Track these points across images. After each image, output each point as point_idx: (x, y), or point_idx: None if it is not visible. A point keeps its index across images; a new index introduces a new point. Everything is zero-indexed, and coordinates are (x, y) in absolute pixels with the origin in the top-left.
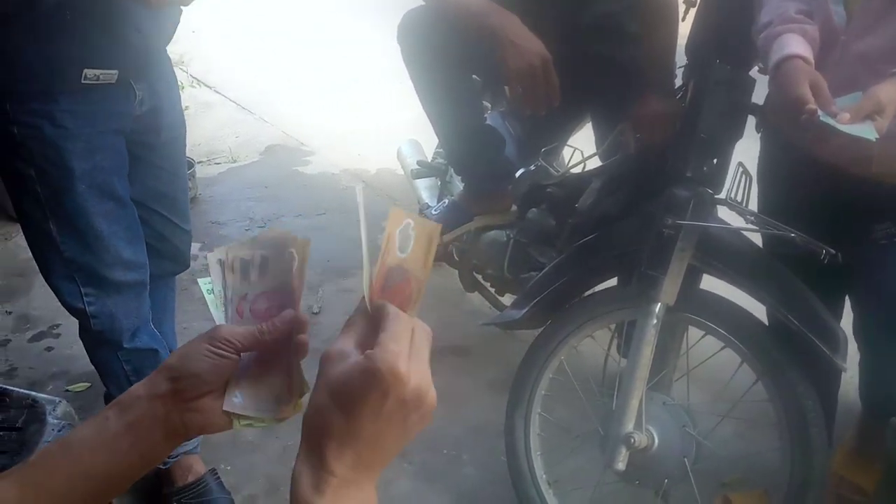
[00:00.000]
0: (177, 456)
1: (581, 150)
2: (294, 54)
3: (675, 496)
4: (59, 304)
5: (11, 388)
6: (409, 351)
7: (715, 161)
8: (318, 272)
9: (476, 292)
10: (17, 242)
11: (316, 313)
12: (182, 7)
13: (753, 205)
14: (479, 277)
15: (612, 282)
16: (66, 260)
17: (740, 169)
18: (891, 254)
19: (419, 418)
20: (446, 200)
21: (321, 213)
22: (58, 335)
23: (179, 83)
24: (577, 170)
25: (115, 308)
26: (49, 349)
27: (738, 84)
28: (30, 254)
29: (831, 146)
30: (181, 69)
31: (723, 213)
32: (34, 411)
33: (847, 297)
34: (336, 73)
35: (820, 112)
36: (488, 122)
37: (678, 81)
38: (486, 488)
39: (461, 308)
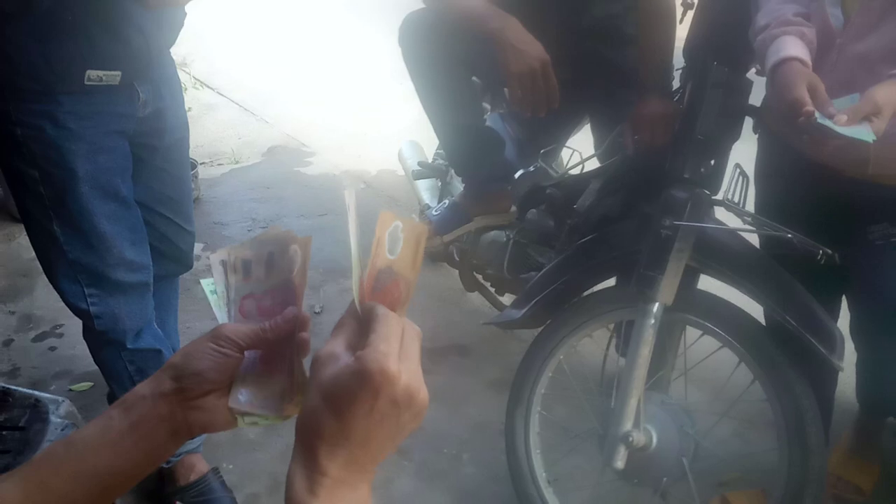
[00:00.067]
0: (179, 455)
1: (580, 151)
2: (296, 56)
3: (674, 495)
4: (63, 304)
5: (14, 387)
6: (399, 351)
7: (712, 162)
8: (320, 272)
9: (476, 292)
10: (21, 243)
11: (318, 313)
12: (184, 10)
13: (750, 206)
14: (480, 277)
15: (611, 282)
16: (69, 261)
17: (737, 170)
18: (887, 254)
19: (411, 417)
20: (447, 201)
21: (323, 213)
22: (61, 335)
23: (182, 85)
24: (576, 171)
25: (118, 309)
26: (52, 349)
27: (735, 86)
28: (33, 254)
29: (828, 148)
30: (184, 71)
31: (720, 213)
32: (37, 411)
33: (844, 298)
34: (338, 75)
35: (817, 114)
36: (488, 123)
37: (676, 83)
38: (486, 487)
39: (462, 308)
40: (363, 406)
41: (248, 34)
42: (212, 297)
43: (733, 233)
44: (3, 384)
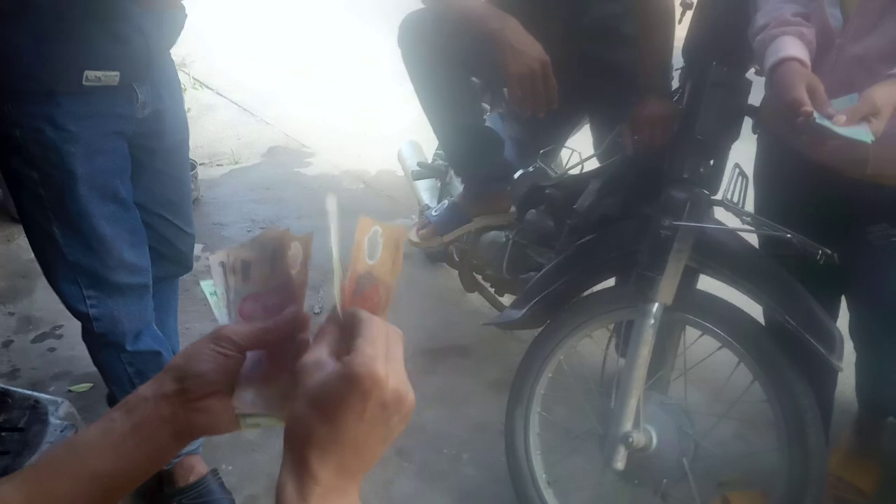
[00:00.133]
0: (179, 456)
1: (579, 151)
2: (296, 56)
3: (674, 496)
4: (62, 305)
5: (14, 388)
6: (385, 354)
7: (711, 162)
8: (320, 273)
9: (476, 292)
10: (20, 244)
11: (317, 313)
12: (185, 11)
13: (750, 206)
14: (479, 278)
15: (611, 282)
16: (68, 263)
17: (737, 170)
18: (886, 254)
19: (399, 420)
20: (446, 201)
21: (322, 214)
22: (60, 336)
23: (182, 85)
24: (576, 171)
25: (117, 311)
26: (51, 350)
27: (734, 86)
28: (33, 255)
29: (827, 148)
30: (183, 71)
31: (719, 214)
32: (36, 412)
33: (843, 298)
34: (337, 76)
35: (816, 114)
36: (487, 123)
37: (675, 83)
38: (486, 488)
39: (461, 308)
40: (353, 410)
41: (247, 34)
42: (212, 299)
43: (733, 233)
44: (3, 385)
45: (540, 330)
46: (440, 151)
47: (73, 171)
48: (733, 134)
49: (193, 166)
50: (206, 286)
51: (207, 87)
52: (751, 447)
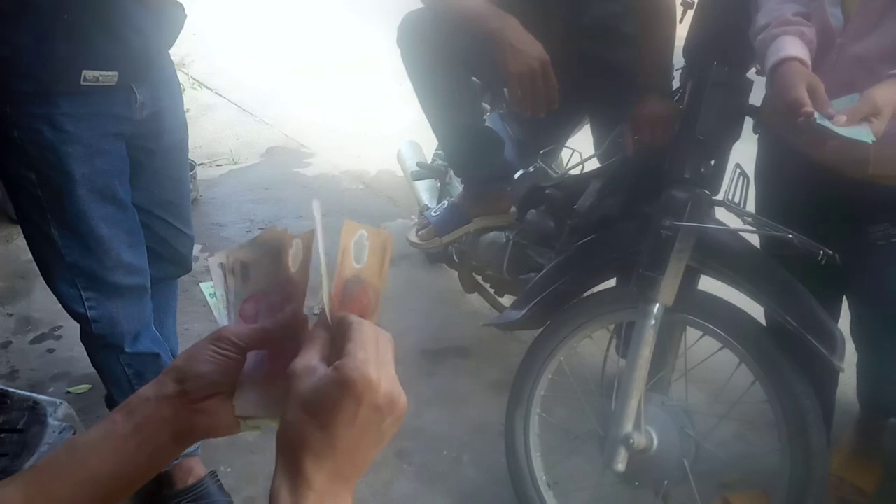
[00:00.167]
0: (178, 458)
1: (580, 151)
2: (295, 56)
3: (675, 497)
4: (61, 306)
5: (13, 389)
6: (376, 357)
7: (712, 162)
8: (319, 273)
9: (476, 293)
10: (19, 244)
11: (317, 314)
12: (185, 11)
13: (751, 206)
14: (479, 278)
15: (611, 283)
16: (67, 264)
17: (738, 170)
18: (887, 254)
19: (392, 423)
20: (446, 202)
21: (322, 214)
22: (59, 337)
23: (181, 85)
24: (576, 171)
25: (116, 312)
26: (50, 351)
27: (735, 86)
28: (31, 256)
29: (828, 148)
30: (182, 71)
31: (720, 214)
32: (35, 413)
33: (845, 298)
34: (337, 75)
35: (816, 114)
36: (487, 123)
37: (676, 83)
38: (486, 489)
39: (461, 309)
40: (347, 415)
41: (246, 34)
42: (211, 301)
43: (734, 233)
44: (2, 386)
45: (540, 331)
46: (440, 152)
47: (71, 172)
48: (734, 134)
49: (192, 166)
50: (206, 288)
51: (206, 87)
52: (752, 448)
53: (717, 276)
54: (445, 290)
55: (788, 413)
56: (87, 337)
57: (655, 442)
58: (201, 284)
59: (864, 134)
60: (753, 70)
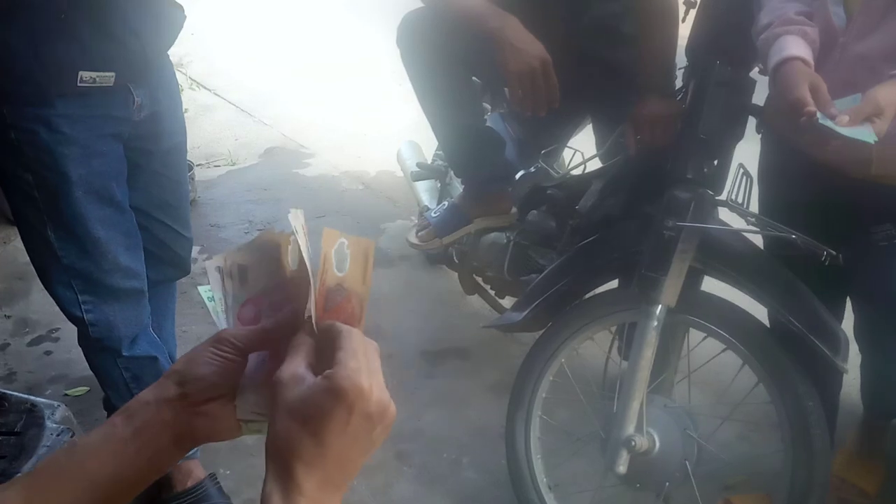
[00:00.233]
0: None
1: (581, 151)
2: (294, 57)
3: (677, 499)
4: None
5: (10, 392)
6: (367, 366)
7: (715, 162)
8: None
9: (476, 295)
10: (16, 246)
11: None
12: (184, 12)
13: (754, 206)
14: (480, 280)
15: (613, 284)
16: (63, 266)
17: (741, 170)
18: (891, 255)
19: (382, 431)
20: (446, 203)
21: (321, 215)
22: (57, 339)
23: (179, 86)
24: (578, 171)
25: (113, 316)
26: (48, 353)
27: (738, 85)
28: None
29: (830, 148)
30: (180, 71)
31: (724, 214)
32: (33, 415)
33: (848, 299)
34: (336, 76)
35: (819, 114)
36: (488, 123)
37: (678, 83)
38: (487, 492)
39: (461, 310)
40: (339, 424)
41: (245, 34)
42: (210, 304)
43: (737, 234)
44: None
45: (541, 332)
46: (440, 152)
47: (67, 173)
48: (737, 133)
49: (190, 167)
50: (204, 291)
51: (205, 88)
52: (755, 449)
53: (720, 276)
54: (445, 292)
55: (792, 414)
56: (84, 340)
57: (657, 444)
58: (199, 288)
59: (866, 134)
60: (756, 69)
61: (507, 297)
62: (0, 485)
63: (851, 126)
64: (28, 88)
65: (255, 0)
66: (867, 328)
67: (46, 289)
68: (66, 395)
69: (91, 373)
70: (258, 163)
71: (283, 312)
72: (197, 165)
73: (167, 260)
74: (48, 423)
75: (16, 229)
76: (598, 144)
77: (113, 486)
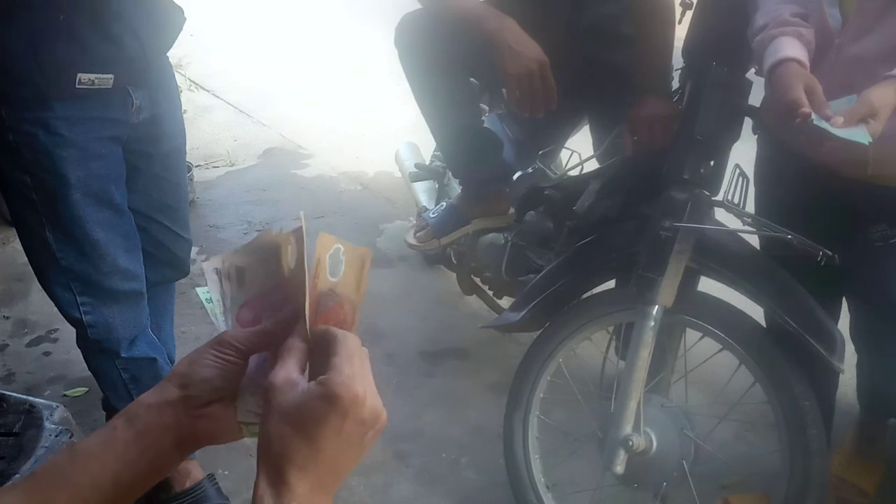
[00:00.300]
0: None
1: (579, 152)
2: (293, 57)
3: (674, 499)
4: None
5: (9, 392)
6: (361, 372)
7: (712, 163)
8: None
9: (474, 295)
10: (15, 247)
11: None
12: (183, 14)
13: (750, 207)
14: (478, 280)
15: (611, 284)
16: (62, 268)
17: (737, 171)
18: (886, 255)
19: (373, 436)
20: (444, 203)
21: (319, 216)
22: (55, 340)
23: (178, 87)
24: (575, 172)
25: (112, 318)
26: (47, 354)
27: (734, 86)
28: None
29: (826, 149)
30: (179, 72)
31: (720, 215)
32: (32, 416)
33: (844, 299)
34: (335, 76)
35: (814, 116)
36: (486, 124)
37: (675, 84)
38: (485, 492)
39: (459, 311)
40: (333, 429)
41: (244, 35)
42: (208, 306)
43: (733, 234)
44: None
45: (539, 332)
46: (438, 153)
47: (66, 176)
48: (734, 134)
49: (189, 168)
50: (202, 293)
51: (203, 89)
52: (752, 449)
53: (716, 277)
54: (444, 292)
55: (788, 414)
56: (83, 341)
57: (655, 443)
58: (197, 289)
59: (861, 135)
60: (753, 70)
61: (505, 298)
62: (0, 488)
63: (846, 127)
64: (26, 91)
65: (255, 1)
66: (863, 328)
67: (45, 290)
68: (64, 395)
69: (90, 374)
70: (257, 164)
71: (284, 313)
72: (196, 166)
73: (166, 261)
74: (47, 424)
75: (14, 231)
76: (596, 145)
77: (114, 489)
